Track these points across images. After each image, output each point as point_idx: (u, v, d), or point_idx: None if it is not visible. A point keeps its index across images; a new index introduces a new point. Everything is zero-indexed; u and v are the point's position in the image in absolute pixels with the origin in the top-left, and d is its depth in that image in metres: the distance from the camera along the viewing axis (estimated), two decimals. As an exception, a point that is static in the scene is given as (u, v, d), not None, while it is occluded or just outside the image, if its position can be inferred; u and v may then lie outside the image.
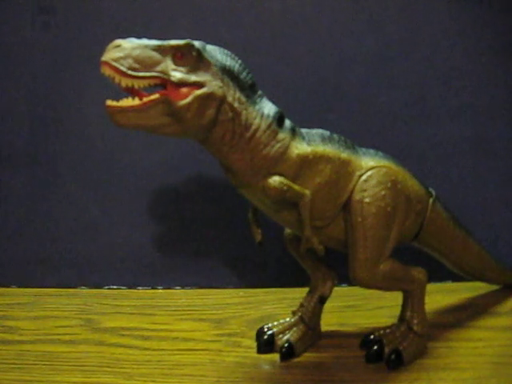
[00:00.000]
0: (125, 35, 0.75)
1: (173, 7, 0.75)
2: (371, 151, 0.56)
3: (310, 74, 0.75)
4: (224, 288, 0.76)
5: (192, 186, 0.79)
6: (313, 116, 0.58)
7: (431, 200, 0.59)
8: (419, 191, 0.57)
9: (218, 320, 0.67)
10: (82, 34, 0.76)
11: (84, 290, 0.78)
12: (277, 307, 0.67)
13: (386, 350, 0.55)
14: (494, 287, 0.71)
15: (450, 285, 0.75)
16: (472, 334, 0.61)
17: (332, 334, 0.62)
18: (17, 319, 0.68)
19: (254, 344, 0.60)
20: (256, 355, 0.58)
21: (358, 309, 0.68)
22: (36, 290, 0.77)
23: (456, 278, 0.76)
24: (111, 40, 0.75)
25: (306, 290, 0.67)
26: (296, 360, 0.57)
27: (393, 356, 0.55)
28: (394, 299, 0.63)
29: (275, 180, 0.49)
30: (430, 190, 0.60)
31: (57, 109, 0.77)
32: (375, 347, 0.56)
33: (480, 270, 0.67)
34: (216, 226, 0.79)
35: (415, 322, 0.56)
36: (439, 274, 0.75)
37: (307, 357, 0.58)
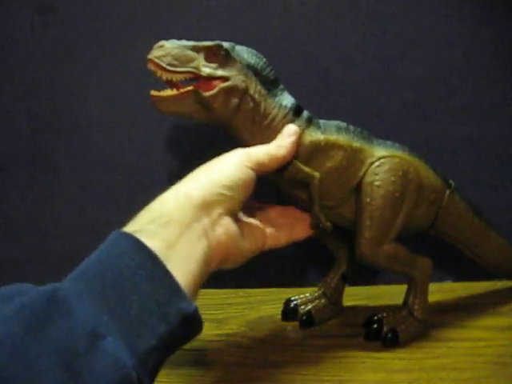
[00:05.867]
0: (125, 35, 0.75)
1: (174, 7, 0.75)
2: (388, 142, 0.60)
3: (309, 75, 0.75)
4: (224, 288, 0.76)
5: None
6: (315, 115, 0.59)
7: (448, 191, 0.62)
8: (434, 182, 0.61)
9: (217, 320, 0.67)
10: (81, 34, 0.76)
11: (84, 290, 0.78)
12: (277, 307, 0.67)
13: (385, 329, 0.59)
14: (494, 287, 0.71)
15: (449, 285, 0.75)
16: (472, 334, 0.61)
17: (332, 334, 0.62)
18: (17, 319, 0.68)
19: (254, 344, 0.60)
20: (256, 355, 0.58)
21: (358, 309, 0.68)
22: (36, 290, 0.77)
23: (456, 278, 0.76)
24: (111, 40, 0.75)
25: (305, 290, 0.68)
26: (296, 360, 0.57)
27: (389, 334, 0.58)
28: (396, 299, 0.63)
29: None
30: (450, 182, 0.63)
31: (57, 109, 0.77)
32: (375, 325, 0.60)
33: (502, 263, 0.68)
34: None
35: (416, 307, 0.60)
36: (439, 274, 0.75)
37: (307, 357, 0.58)
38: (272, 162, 0.52)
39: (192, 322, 0.40)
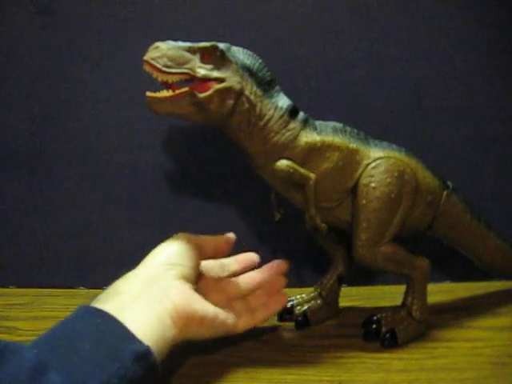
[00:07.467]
0: (122, 36, 0.75)
1: (173, 7, 0.75)
2: (384, 143, 0.60)
3: (309, 75, 0.75)
4: (223, 288, 0.76)
5: (191, 186, 0.79)
6: (312, 116, 0.59)
7: (445, 192, 0.62)
8: (431, 183, 0.61)
9: (217, 320, 0.67)
10: (81, 34, 0.76)
11: (83, 290, 0.78)
12: (276, 307, 0.67)
13: (383, 329, 0.59)
14: (494, 288, 0.71)
15: (449, 285, 0.75)
16: (472, 334, 0.61)
17: (331, 334, 0.62)
18: (15, 319, 0.68)
19: (254, 344, 0.60)
20: (256, 356, 0.58)
21: (358, 309, 0.68)
22: (35, 291, 0.76)
23: (455, 278, 0.76)
24: (108, 41, 0.75)
25: (306, 290, 0.68)
26: (296, 360, 0.57)
27: (388, 335, 0.58)
28: (395, 300, 0.63)
29: (282, 163, 0.55)
30: (448, 183, 0.63)
31: (56, 109, 0.77)
32: (374, 326, 0.60)
33: (501, 264, 0.68)
34: (216, 226, 0.78)
35: (415, 308, 0.60)
36: (439, 274, 0.75)
37: (307, 357, 0.58)
38: (205, 318, 0.51)
39: (145, 360, 0.43)
